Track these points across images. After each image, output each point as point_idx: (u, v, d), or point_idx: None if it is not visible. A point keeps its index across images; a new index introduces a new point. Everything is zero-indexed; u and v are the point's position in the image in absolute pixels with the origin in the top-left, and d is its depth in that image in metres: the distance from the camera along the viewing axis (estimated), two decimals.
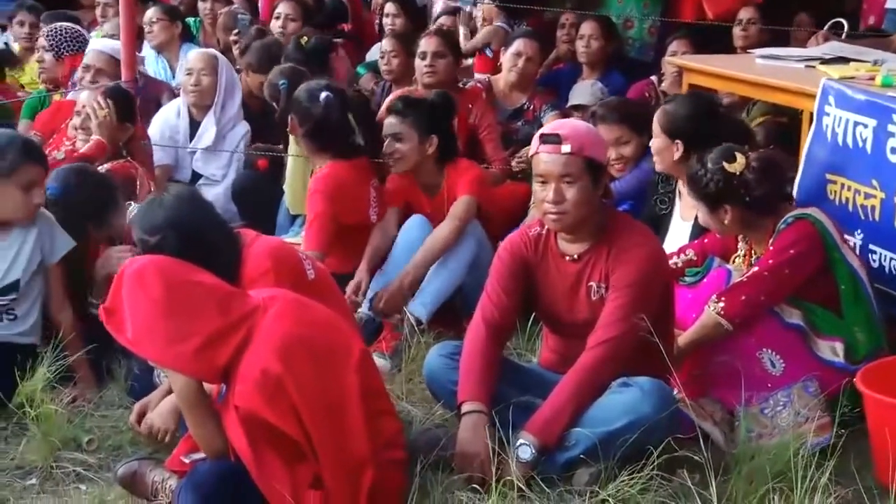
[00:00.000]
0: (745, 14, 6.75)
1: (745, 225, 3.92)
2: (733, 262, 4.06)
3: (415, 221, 4.70)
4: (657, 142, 4.46)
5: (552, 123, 3.95)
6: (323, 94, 4.65)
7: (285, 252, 3.61)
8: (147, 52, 6.99)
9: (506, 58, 6.22)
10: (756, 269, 3.79)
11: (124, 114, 5.02)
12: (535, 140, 3.61)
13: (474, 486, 3.27)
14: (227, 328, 3.00)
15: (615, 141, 4.83)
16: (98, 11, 7.63)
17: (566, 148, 3.50)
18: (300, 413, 2.97)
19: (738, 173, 3.80)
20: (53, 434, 3.56)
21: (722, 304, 3.72)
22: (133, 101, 5.24)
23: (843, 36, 5.64)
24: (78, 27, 6.60)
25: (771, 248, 3.81)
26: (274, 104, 5.38)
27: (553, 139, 3.53)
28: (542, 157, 3.55)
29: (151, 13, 7.05)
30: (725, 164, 3.82)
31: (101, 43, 5.94)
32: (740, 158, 3.82)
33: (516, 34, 6.44)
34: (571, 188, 3.51)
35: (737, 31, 6.70)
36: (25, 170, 3.90)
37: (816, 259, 3.78)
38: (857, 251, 4.07)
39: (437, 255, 4.54)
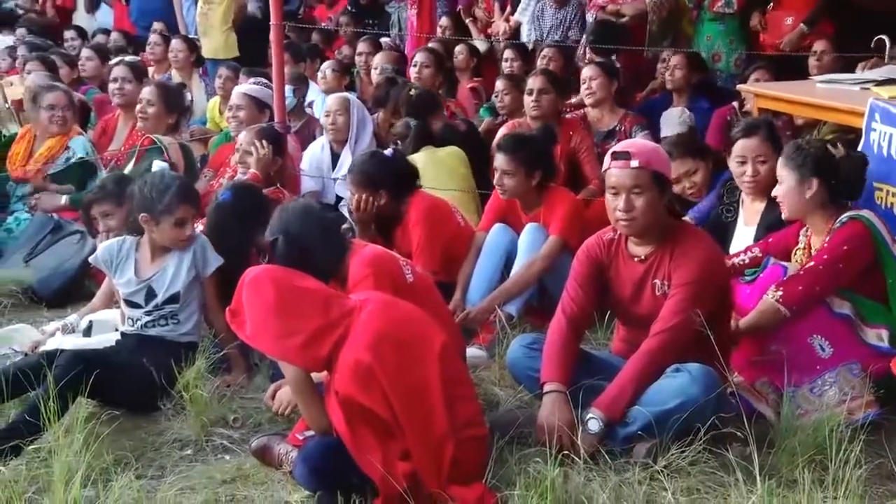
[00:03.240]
0: (818, 46, 6.45)
1: (818, 205, 3.69)
2: (794, 254, 3.86)
3: (498, 229, 4.61)
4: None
5: (622, 143, 3.83)
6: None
7: (385, 259, 3.59)
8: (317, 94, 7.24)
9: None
10: (812, 263, 3.60)
11: (275, 150, 5.06)
12: (608, 157, 3.51)
13: (546, 455, 3.16)
14: (327, 326, 3.00)
15: (686, 173, 4.65)
16: None
17: (635, 163, 3.41)
18: (389, 396, 2.94)
19: (836, 157, 3.66)
20: (206, 413, 3.61)
21: (781, 293, 3.53)
22: (282, 140, 5.27)
23: (888, 52, 5.34)
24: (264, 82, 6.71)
25: (826, 244, 3.61)
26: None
27: (623, 156, 3.45)
28: (614, 172, 3.46)
29: (327, 65, 7.47)
30: (829, 147, 3.68)
31: (244, 87, 6.11)
32: (842, 148, 3.69)
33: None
34: (640, 198, 3.41)
35: (812, 61, 6.39)
36: (180, 210, 3.94)
37: (867, 255, 3.58)
38: None
39: (523, 289, 4.42)
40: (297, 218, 3.46)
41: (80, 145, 5.89)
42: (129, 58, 7.53)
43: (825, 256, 3.57)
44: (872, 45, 5.63)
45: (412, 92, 5.70)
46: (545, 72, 5.97)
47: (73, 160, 5.85)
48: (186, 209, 3.97)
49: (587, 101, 6.03)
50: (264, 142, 5.02)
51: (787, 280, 3.60)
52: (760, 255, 4.02)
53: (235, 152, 5.21)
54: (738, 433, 3.12)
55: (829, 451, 2.98)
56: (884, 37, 5.54)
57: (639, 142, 4.00)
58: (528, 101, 5.71)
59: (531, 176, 4.56)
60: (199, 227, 4.23)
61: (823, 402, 3.43)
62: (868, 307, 3.58)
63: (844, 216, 3.64)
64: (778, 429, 3.30)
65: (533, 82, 5.72)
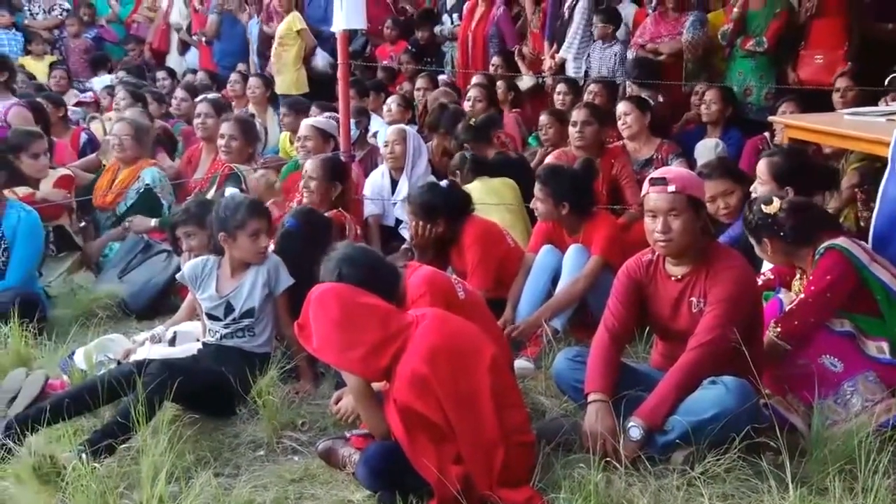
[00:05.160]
0: (841, 83, 6.25)
1: (784, 254, 3.66)
2: (794, 283, 3.76)
3: (546, 250, 4.54)
4: (766, 188, 4.17)
5: (659, 170, 3.76)
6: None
7: (438, 278, 3.55)
8: (380, 125, 7.24)
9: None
10: (802, 296, 3.52)
11: (334, 176, 4.99)
12: (646, 183, 3.46)
13: (589, 461, 3.07)
14: (387, 339, 2.97)
15: (722, 193, 4.47)
16: None
17: (671, 188, 3.35)
18: (443, 404, 2.91)
19: (773, 213, 3.59)
20: (277, 418, 3.59)
21: (779, 329, 3.47)
22: (341, 166, 5.21)
23: None
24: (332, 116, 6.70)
25: (811, 277, 3.53)
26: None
27: (660, 181, 3.39)
28: (652, 196, 3.40)
29: (392, 99, 7.44)
30: (764, 206, 3.62)
31: (311, 119, 6.13)
32: (776, 202, 3.62)
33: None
34: (676, 220, 3.35)
35: (836, 96, 6.21)
36: (251, 223, 3.95)
37: (850, 280, 3.48)
38: None
39: (567, 305, 4.36)
40: (350, 248, 3.41)
41: (149, 175, 5.92)
42: (211, 95, 7.61)
43: (812, 288, 3.50)
44: (886, 83, 5.51)
45: (473, 120, 5.66)
46: (588, 105, 5.90)
47: (141, 190, 5.88)
48: (258, 222, 3.96)
49: (624, 134, 5.94)
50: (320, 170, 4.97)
51: (784, 316, 3.53)
52: (773, 277, 3.96)
53: (303, 178, 5.21)
54: (772, 443, 3.04)
55: (859, 460, 2.88)
56: None
57: (675, 168, 3.95)
58: (572, 132, 5.64)
59: (559, 206, 4.50)
60: (270, 246, 4.23)
61: (850, 411, 3.32)
62: (865, 322, 3.49)
63: (821, 247, 3.55)
64: (809, 439, 3.20)
65: (577, 115, 5.65)
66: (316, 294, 3.05)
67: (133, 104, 7.31)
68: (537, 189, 4.54)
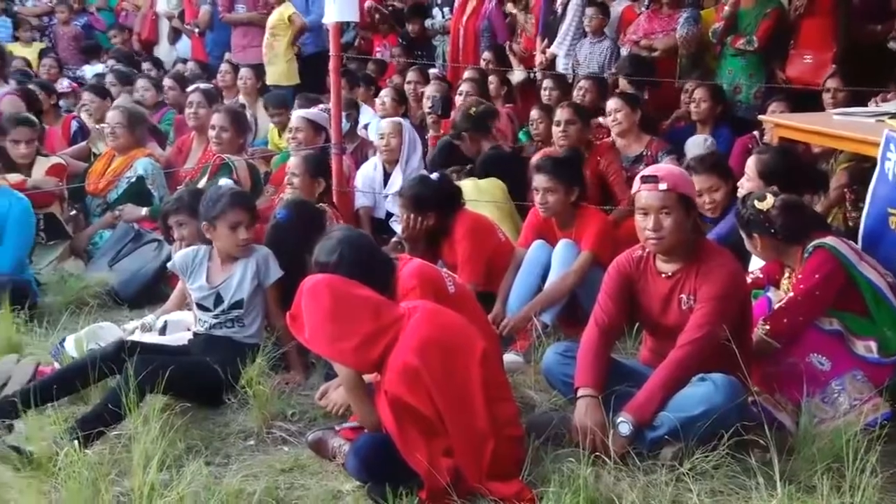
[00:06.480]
0: (831, 83, 6.25)
1: (773, 250, 3.68)
2: (783, 282, 3.78)
3: (538, 245, 4.52)
4: (752, 184, 4.18)
5: (650, 167, 3.76)
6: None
7: (429, 271, 3.53)
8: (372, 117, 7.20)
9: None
10: (791, 294, 3.53)
11: (316, 172, 4.88)
12: (637, 181, 3.46)
13: (578, 455, 3.08)
14: (379, 331, 2.96)
15: (708, 188, 4.46)
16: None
17: (663, 186, 3.35)
18: (434, 397, 2.91)
19: (765, 210, 3.60)
20: (267, 408, 3.58)
21: (768, 327, 3.48)
22: (324, 163, 5.10)
23: None
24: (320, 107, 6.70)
25: (800, 275, 3.55)
26: None
27: (652, 179, 3.39)
28: (643, 194, 3.40)
29: (386, 93, 7.44)
30: (756, 202, 3.63)
31: (302, 111, 6.12)
32: (769, 199, 3.62)
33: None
34: (668, 218, 3.35)
35: (826, 97, 6.21)
36: (232, 213, 3.91)
37: (839, 278, 3.49)
38: None
39: (557, 300, 4.34)
40: (350, 232, 3.39)
41: (142, 165, 5.90)
42: (203, 85, 7.56)
43: (801, 286, 3.51)
44: None
45: (472, 109, 5.64)
46: (571, 104, 5.93)
47: (133, 180, 5.87)
48: (238, 213, 3.92)
49: (613, 131, 5.93)
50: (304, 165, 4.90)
51: (773, 314, 3.54)
52: (762, 276, 3.97)
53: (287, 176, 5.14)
54: (760, 440, 3.03)
55: (846, 459, 2.88)
56: None
57: (666, 166, 3.95)
58: (556, 131, 5.67)
59: (570, 192, 4.48)
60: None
61: (837, 410, 3.32)
62: (854, 322, 3.50)
63: (810, 246, 3.57)
64: (797, 437, 3.21)
65: (560, 114, 5.68)
66: (308, 285, 3.03)
67: (101, 103, 7.27)
68: (544, 181, 4.46)
